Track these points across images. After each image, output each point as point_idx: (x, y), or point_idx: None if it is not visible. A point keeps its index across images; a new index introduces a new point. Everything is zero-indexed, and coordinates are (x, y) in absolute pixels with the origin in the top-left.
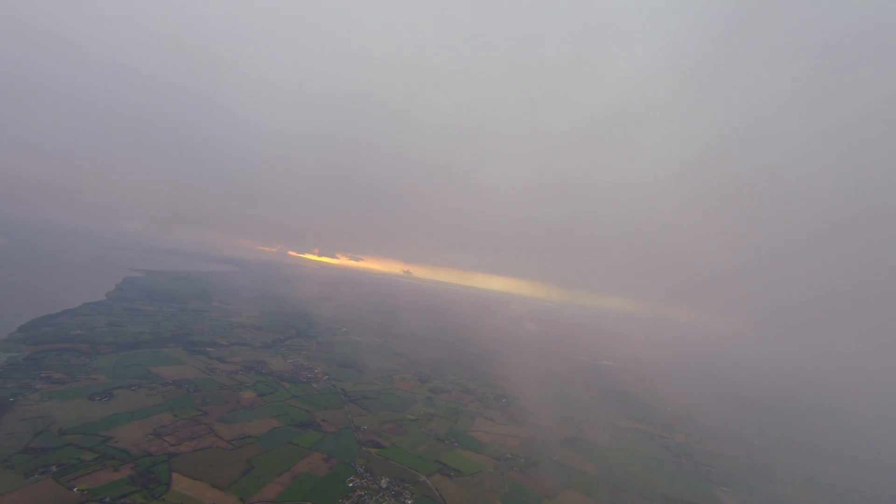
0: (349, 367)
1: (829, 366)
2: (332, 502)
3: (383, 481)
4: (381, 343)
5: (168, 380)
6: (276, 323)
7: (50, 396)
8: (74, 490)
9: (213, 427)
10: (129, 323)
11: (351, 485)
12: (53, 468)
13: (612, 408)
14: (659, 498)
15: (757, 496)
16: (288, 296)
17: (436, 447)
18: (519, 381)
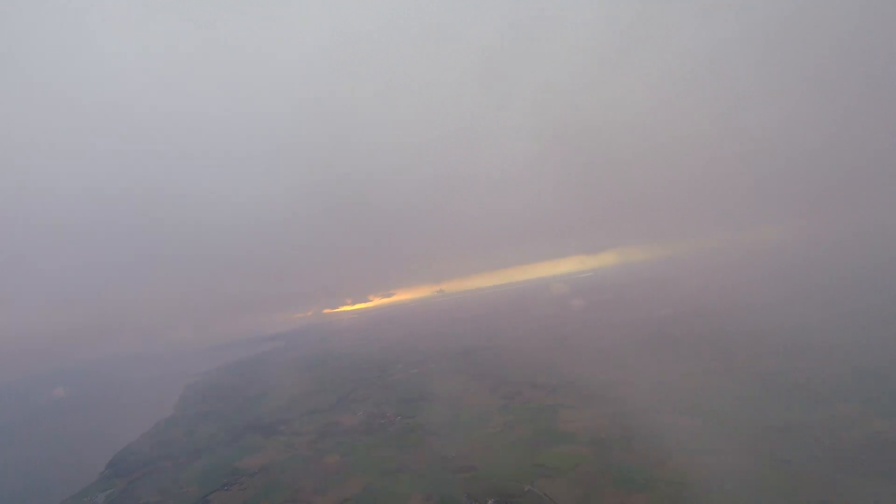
0: (417, 401)
1: None
2: None
3: (490, 503)
4: (437, 368)
5: (254, 469)
6: (334, 382)
7: None
8: None
9: (311, 502)
10: (202, 427)
11: None
12: None
13: (685, 355)
14: (775, 431)
15: (879, 395)
16: (336, 352)
17: (528, 452)
18: (584, 360)
